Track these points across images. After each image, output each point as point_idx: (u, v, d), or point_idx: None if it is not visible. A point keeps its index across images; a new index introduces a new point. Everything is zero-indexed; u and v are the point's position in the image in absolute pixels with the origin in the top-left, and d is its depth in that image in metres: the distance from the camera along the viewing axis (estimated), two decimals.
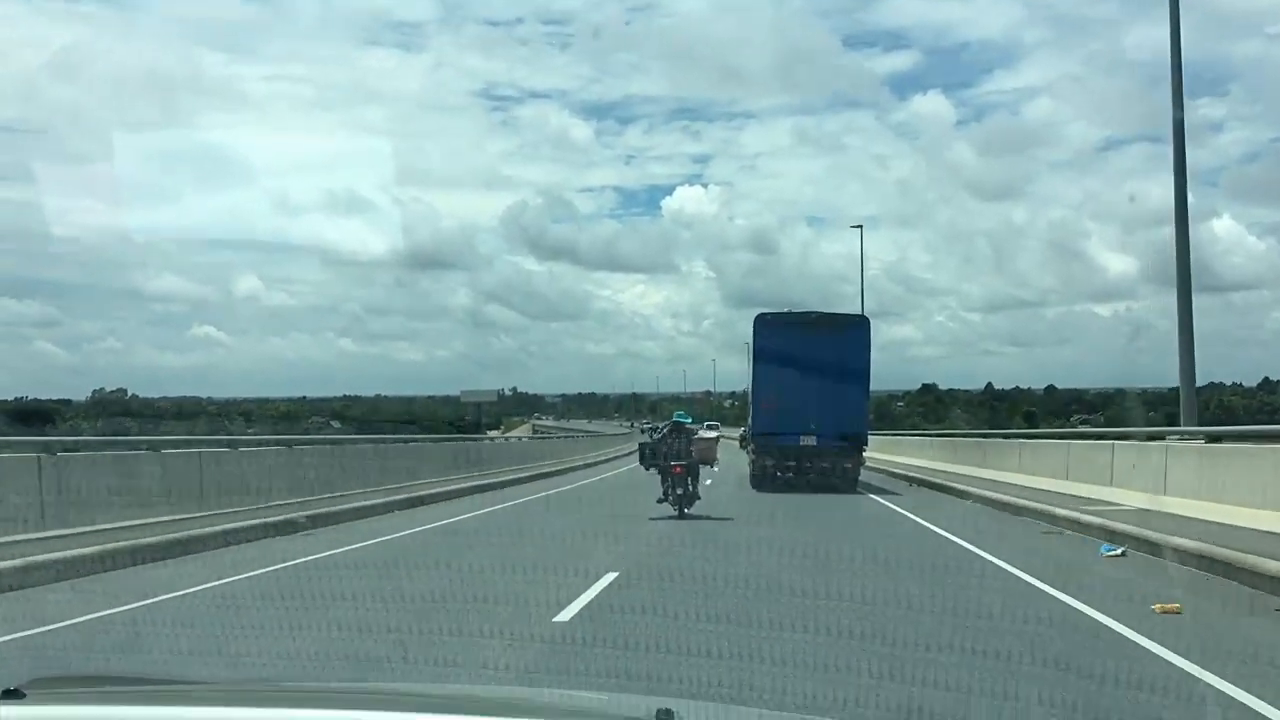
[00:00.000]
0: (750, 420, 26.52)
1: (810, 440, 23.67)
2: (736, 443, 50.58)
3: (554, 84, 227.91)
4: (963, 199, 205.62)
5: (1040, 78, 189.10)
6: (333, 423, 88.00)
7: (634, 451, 25.92)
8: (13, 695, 1.59)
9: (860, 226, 50.08)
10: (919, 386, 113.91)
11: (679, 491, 17.05)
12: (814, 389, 23.49)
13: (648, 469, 18.15)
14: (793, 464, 23.89)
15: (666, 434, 17.89)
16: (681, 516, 16.62)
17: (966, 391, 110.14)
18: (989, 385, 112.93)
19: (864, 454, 24.70)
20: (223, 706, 1.62)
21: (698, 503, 17.31)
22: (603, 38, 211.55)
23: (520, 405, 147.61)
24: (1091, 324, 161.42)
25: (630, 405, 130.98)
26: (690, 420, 19.34)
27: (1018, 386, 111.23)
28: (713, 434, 21.02)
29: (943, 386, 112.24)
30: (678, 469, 17.17)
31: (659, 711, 1.53)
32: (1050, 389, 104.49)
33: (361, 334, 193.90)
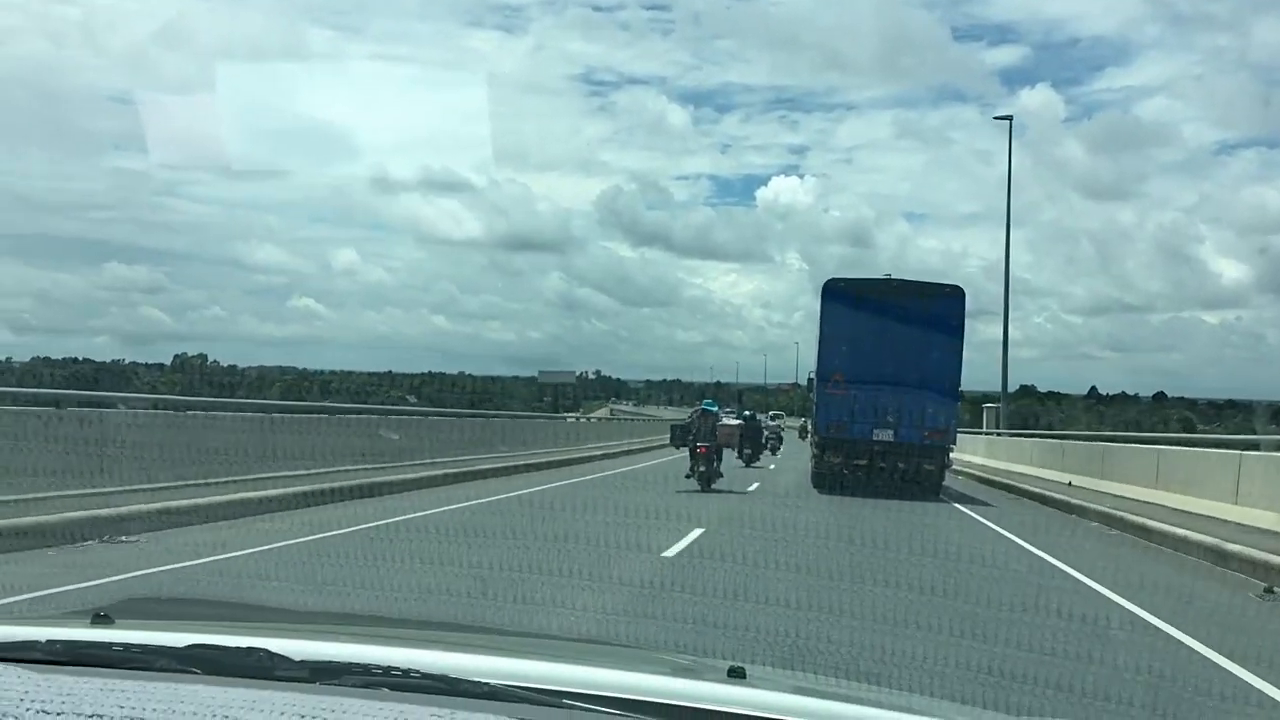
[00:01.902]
0: (814, 408, 22.29)
1: (886, 435, 19.86)
2: (796, 432, 46.64)
3: (653, 70, 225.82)
4: (1069, 198, 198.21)
5: (1155, 76, 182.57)
6: (409, 397, 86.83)
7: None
8: (102, 620, 1.69)
9: (1009, 118, 39.03)
10: (1016, 388, 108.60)
11: (702, 469, 18.82)
12: (893, 373, 19.71)
13: (678, 448, 20.05)
14: (863, 462, 20.00)
15: (696, 419, 19.60)
16: (705, 490, 18.33)
17: (1067, 395, 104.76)
18: (1093, 389, 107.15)
19: (950, 455, 20.85)
20: (293, 639, 1.55)
21: (720, 480, 19.14)
22: (704, 24, 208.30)
23: (603, 389, 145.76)
24: (1199, 331, 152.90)
25: (712, 394, 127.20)
26: (718, 408, 21.05)
27: (1124, 392, 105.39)
28: (735, 422, 23.66)
29: (1041, 390, 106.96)
30: (703, 449, 18.87)
31: (731, 668, 1.55)
32: (1159, 396, 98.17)
33: (454, 312, 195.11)
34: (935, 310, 20.14)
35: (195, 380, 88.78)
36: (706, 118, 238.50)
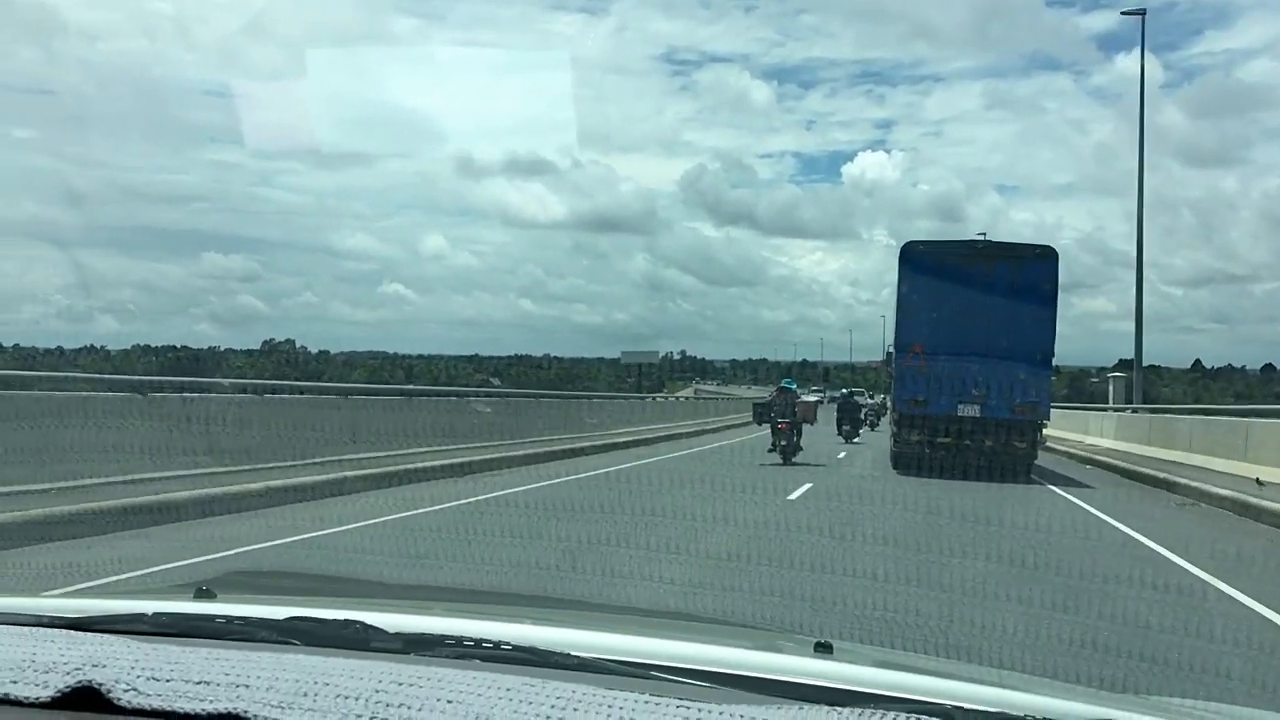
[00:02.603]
0: (892, 383, 20.79)
1: (971, 410, 18.36)
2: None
3: (736, 47, 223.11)
4: (1168, 166, 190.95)
5: (1258, 38, 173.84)
6: (493, 379, 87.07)
7: None
8: (205, 594, 1.74)
9: (1143, 12, 31.60)
10: (1115, 362, 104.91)
11: (783, 443, 19.73)
12: (979, 343, 18.24)
13: (760, 424, 21.07)
14: (947, 440, 18.46)
15: (776, 396, 20.74)
16: (785, 463, 19.20)
17: (1170, 369, 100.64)
18: (1197, 362, 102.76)
19: (1043, 431, 19.23)
20: (387, 612, 1.57)
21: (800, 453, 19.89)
22: (786, 0, 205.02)
23: (688, 369, 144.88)
24: None
25: (798, 372, 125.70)
26: (796, 386, 22.15)
27: (1230, 365, 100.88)
28: (814, 398, 26.35)
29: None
30: (783, 425, 19.73)
31: (818, 642, 1.58)
32: (1268, 368, 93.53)
33: (540, 295, 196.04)
34: (1025, 273, 18.52)
35: (282, 364, 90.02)
36: (790, 94, 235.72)
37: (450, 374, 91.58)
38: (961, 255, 19.18)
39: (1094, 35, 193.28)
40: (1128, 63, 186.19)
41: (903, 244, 19.67)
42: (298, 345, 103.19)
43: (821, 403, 27.17)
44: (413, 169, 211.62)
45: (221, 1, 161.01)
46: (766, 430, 20.21)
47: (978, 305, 18.12)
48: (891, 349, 20.16)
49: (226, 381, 19.53)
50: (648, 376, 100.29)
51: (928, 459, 18.09)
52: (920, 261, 19.06)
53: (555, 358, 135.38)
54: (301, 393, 17.62)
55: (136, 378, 15.37)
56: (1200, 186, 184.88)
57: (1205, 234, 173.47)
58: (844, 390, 33.52)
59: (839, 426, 28.75)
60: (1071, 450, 25.78)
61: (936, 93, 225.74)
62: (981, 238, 19.91)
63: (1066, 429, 29.83)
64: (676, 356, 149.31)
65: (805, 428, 20.42)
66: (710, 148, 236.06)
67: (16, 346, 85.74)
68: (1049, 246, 19.22)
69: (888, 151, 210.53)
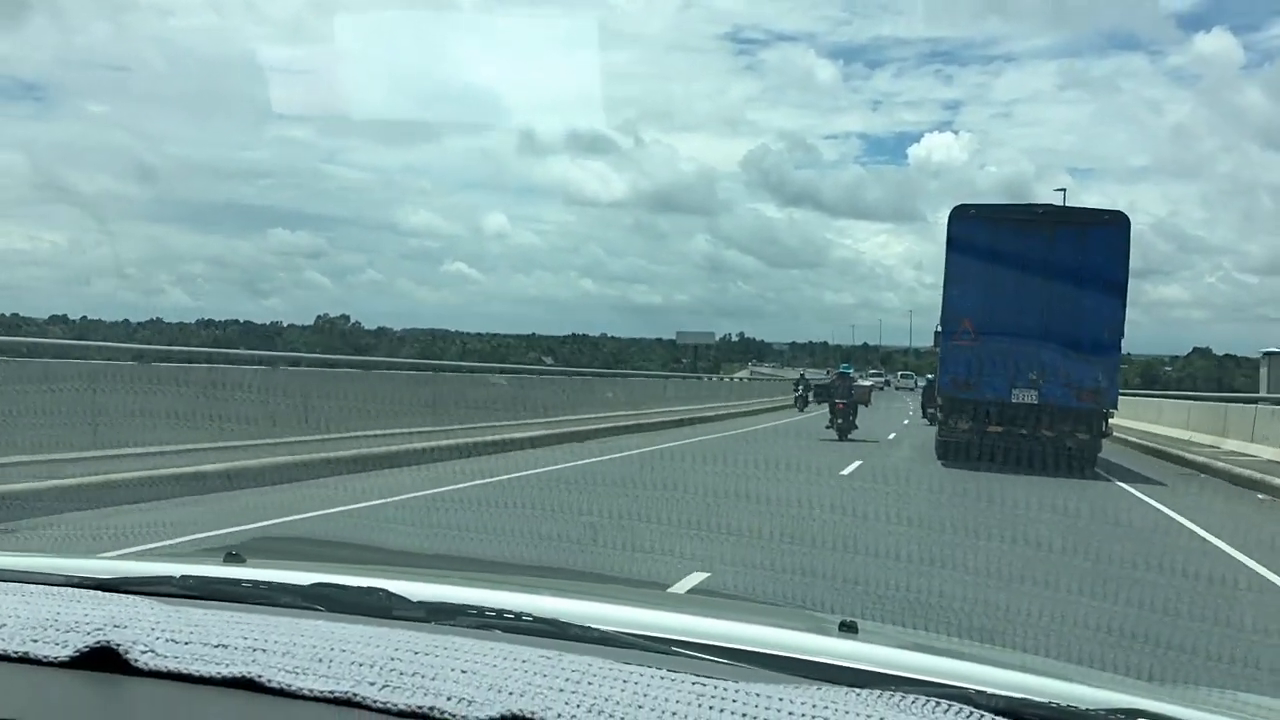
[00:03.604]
0: (939, 363, 18.46)
1: (1028, 396, 16.35)
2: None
3: (802, 26, 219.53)
4: (1248, 149, 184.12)
5: None
6: (545, 358, 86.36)
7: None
8: (234, 558, 1.78)
9: None
10: (1189, 350, 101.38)
11: (839, 422, 22.17)
12: (1037, 320, 16.26)
13: (820, 403, 24.66)
14: (998, 429, 16.50)
15: (836, 379, 23.64)
16: (841, 439, 21.42)
17: (1247, 359, 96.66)
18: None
19: (1110, 421, 17.22)
20: (411, 581, 1.59)
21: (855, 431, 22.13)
22: None
23: (746, 351, 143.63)
24: None
25: (860, 356, 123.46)
26: (853, 370, 25.46)
27: None
28: (868, 382, 28.53)
29: (1216, 352, 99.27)
30: (841, 405, 22.26)
31: (843, 622, 1.54)
32: None
33: (601, 275, 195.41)
34: (1092, 243, 16.42)
35: (336, 340, 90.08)
36: (857, 74, 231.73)
37: (502, 352, 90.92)
38: (1019, 220, 16.90)
39: (1172, 13, 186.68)
40: (1206, 42, 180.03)
41: (953, 207, 17.55)
42: (351, 320, 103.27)
43: (880, 387, 32.65)
44: (477, 145, 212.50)
45: None
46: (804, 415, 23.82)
47: (1037, 277, 16.11)
48: (940, 329, 18.08)
49: (248, 353, 19.56)
50: (704, 357, 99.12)
51: (977, 448, 16.24)
52: (972, 227, 16.93)
53: (612, 337, 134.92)
54: (329, 365, 18.26)
55: (135, 346, 15.20)
56: None
57: None
58: (930, 376, 34.58)
59: (923, 410, 30.82)
60: (1141, 441, 23.62)
61: (1008, 73, 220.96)
62: (1041, 204, 17.48)
63: (1135, 417, 27.59)
64: (735, 338, 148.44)
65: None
66: (775, 128, 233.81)
67: (84, 318, 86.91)
68: (1119, 212, 17.03)
69: (955, 133, 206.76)
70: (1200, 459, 18.40)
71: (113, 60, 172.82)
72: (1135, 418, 27.49)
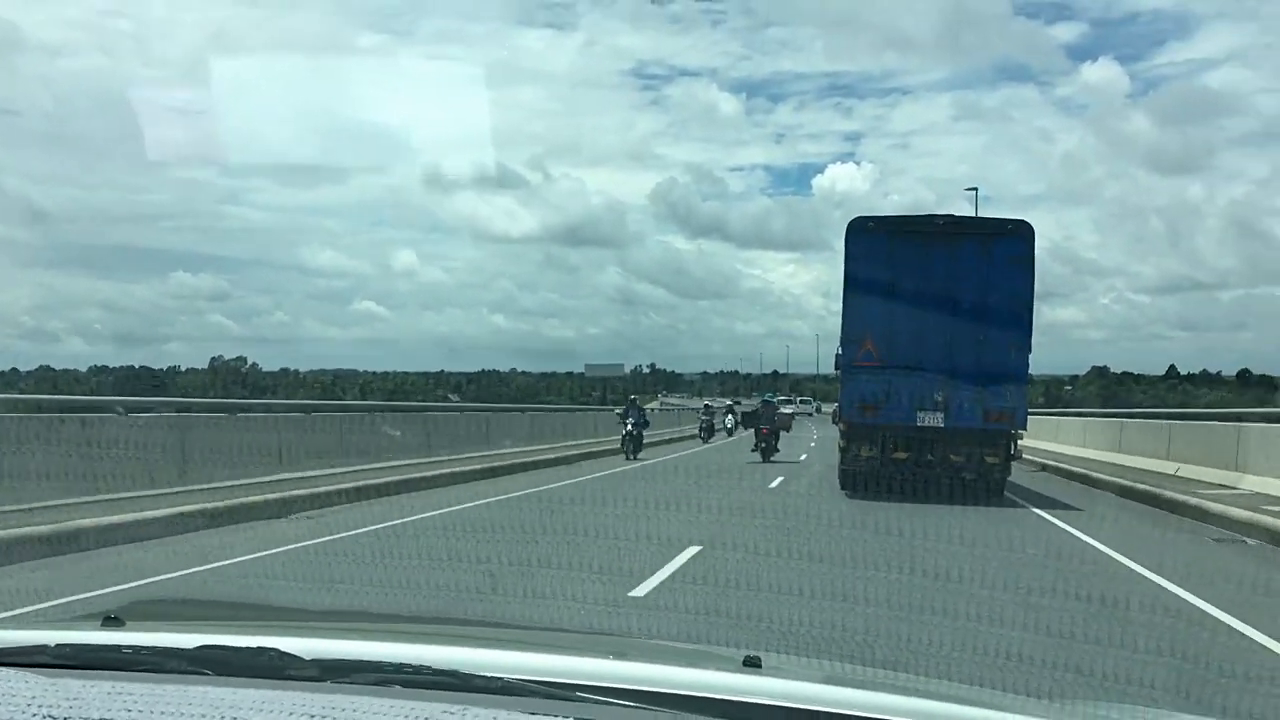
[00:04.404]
0: (840, 386, 16.93)
1: (934, 419, 15.29)
2: (830, 417, 42.28)
3: (704, 61, 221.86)
4: (1135, 174, 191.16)
5: (1219, 48, 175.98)
6: (451, 396, 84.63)
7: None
8: (113, 622, 1.68)
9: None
10: (1088, 369, 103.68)
11: (764, 446, 24.05)
12: (942, 338, 15.24)
13: (747, 429, 27.43)
14: (905, 455, 15.51)
15: (760, 407, 25.66)
16: (765, 462, 23.37)
17: (1144, 376, 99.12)
18: (1172, 368, 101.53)
19: (1019, 443, 16.30)
20: (303, 637, 1.54)
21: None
22: (754, 13, 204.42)
23: (658, 382, 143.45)
24: (1275, 308, 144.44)
25: (769, 384, 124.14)
26: (777, 398, 29.78)
27: (1205, 370, 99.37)
28: (789, 409, 31.56)
29: (1114, 370, 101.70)
30: (765, 430, 24.15)
31: (746, 657, 1.55)
32: (1243, 374, 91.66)
33: (512, 310, 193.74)
34: (996, 254, 15.34)
35: (230, 383, 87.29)
36: (760, 107, 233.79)
37: (406, 390, 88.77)
38: (919, 232, 15.75)
39: (1061, 45, 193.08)
40: (1094, 72, 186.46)
41: (850, 219, 16.20)
42: (249, 363, 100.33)
43: (793, 414, 30.95)
44: (384, 184, 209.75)
45: (184, 18, 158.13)
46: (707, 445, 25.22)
47: (940, 291, 15.15)
48: (839, 350, 16.66)
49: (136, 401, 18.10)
50: (614, 389, 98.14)
51: (881, 477, 15.25)
52: (870, 240, 15.78)
53: (522, 372, 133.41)
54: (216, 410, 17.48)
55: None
56: (1167, 194, 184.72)
57: (1173, 241, 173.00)
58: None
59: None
60: (1043, 460, 23.07)
61: (904, 105, 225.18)
62: (942, 214, 16.37)
63: (1036, 436, 27.19)
64: (646, 370, 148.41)
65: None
66: (681, 161, 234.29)
67: None
68: (1023, 221, 15.88)
69: (857, 163, 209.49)
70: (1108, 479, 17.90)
71: (0, 103, 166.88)
72: (1040, 437, 27.09)
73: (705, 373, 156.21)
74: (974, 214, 34.14)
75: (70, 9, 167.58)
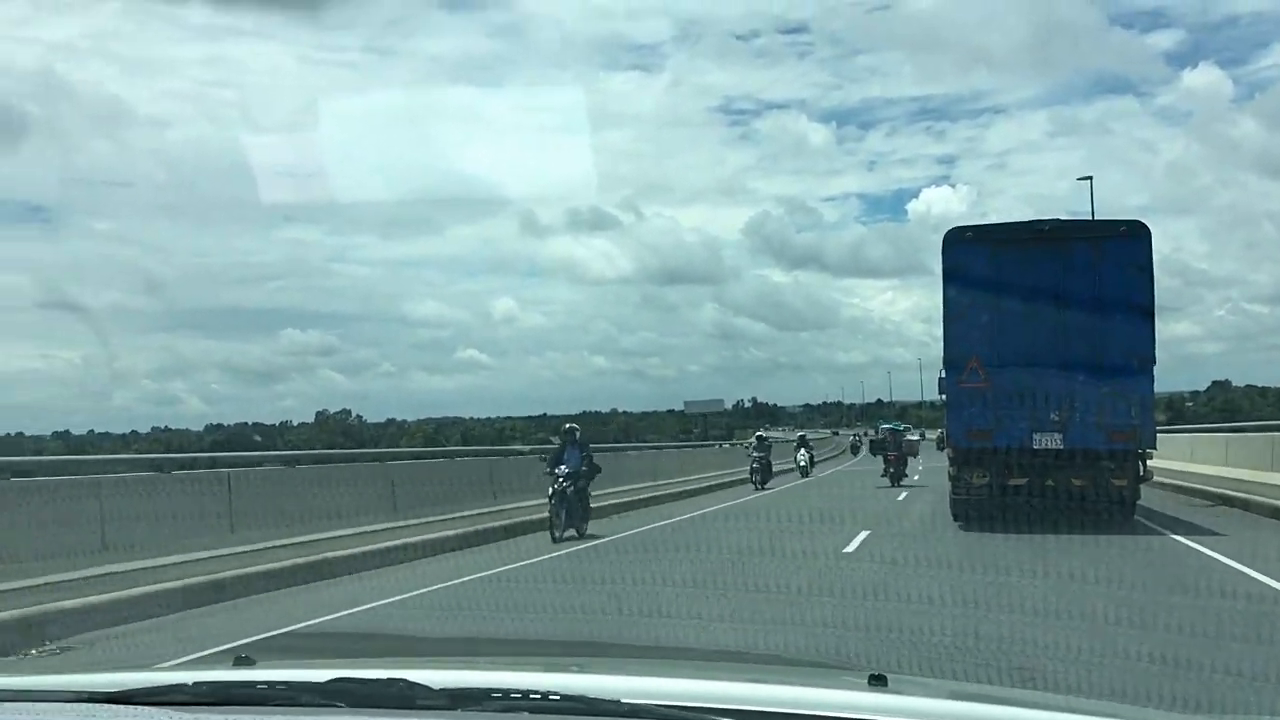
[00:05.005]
0: (946, 410, 15.80)
1: (1051, 440, 14.05)
2: (935, 443, 39.16)
3: (792, 94, 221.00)
4: (1244, 180, 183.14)
5: None
6: (552, 439, 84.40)
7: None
8: (244, 661, 1.73)
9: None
10: (1207, 384, 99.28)
11: (892, 471, 26.78)
12: (1055, 352, 13.98)
13: (875, 455, 29.60)
14: (1022, 481, 14.23)
15: (888, 435, 28.67)
16: (894, 486, 25.66)
17: (1270, 388, 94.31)
18: None
19: (1148, 464, 14.78)
20: (431, 669, 1.56)
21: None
22: (841, 42, 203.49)
23: (760, 416, 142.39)
24: None
25: (875, 413, 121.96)
26: (902, 427, 32.36)
27: None
28: (915, 436, 36.73)
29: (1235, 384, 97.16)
30: (893, 456, 26.94)
31: (872, 675, 1.57)
32: None
33: (612, 351, 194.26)
34: (1110, 258, 14.08)
35: (337, 435, 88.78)
36: (850, 136, 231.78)
37: (505, 435, 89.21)
38: (1023, 239, 14.53)
39: (1159, 53, 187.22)
40: (1195, 78, 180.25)
41: (946, 231, 15.11)
42: (353, 415, 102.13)
43: (920, 439, 36.14)
44: (479, 233, 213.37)
45: (283, 83, 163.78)
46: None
47: (1049, 302, 13.92)
48: (943, 372, 15.59)
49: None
50: (715, 425, 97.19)
51: (1000, 506, 14.01)
52: (970, 252, 14.62)
53: (622, 412, 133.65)
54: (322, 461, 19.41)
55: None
56: (1279, 198, 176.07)
57: None
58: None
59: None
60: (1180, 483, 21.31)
61: (998, 124, 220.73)
62: (1047, 219, 15.06)
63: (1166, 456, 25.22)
64: (748, 404, 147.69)
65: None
66: (773, 194, 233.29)
67: (90, 432, 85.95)
68: (1137, 221, 14.55)
69: (953, 186, 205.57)
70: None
71: (114, 176, 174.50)
72: (1170, 456, 25.15)
73: (808, 404, 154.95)
74: (1090, 207, 32.66)
75: (175, 81, 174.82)
